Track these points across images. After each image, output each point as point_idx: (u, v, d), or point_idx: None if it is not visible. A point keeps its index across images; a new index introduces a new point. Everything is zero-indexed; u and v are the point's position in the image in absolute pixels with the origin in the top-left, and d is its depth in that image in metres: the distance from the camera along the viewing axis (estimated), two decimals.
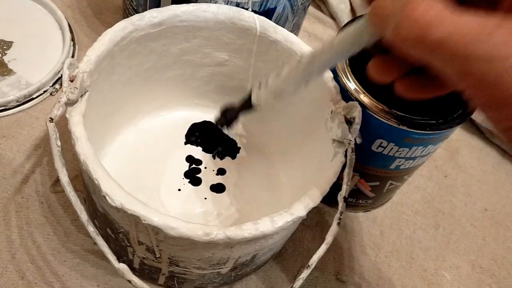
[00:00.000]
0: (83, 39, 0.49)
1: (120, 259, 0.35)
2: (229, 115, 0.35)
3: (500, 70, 0.17)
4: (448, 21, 0.17)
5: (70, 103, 0.29)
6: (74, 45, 0.47)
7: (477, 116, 0.51)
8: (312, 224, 0.42)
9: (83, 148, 0.27)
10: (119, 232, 0.31)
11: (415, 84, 0.23)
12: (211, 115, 0.44)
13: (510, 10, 0.18)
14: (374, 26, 0.20)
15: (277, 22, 0.41)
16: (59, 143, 0.27)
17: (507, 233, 0.46)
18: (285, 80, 0.28)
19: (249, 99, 0.32)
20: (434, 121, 0.33)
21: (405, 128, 0.33)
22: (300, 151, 0.40)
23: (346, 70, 0.34)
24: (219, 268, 0.32)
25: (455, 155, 0.50)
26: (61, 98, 0.28)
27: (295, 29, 0.46)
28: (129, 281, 0.26)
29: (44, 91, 0.43)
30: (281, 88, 0.29)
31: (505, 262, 0.44)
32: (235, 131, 0.44)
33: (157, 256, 0.30)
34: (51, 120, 0.27)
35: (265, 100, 0.31)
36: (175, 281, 0.34)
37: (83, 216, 0.26)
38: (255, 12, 0.38)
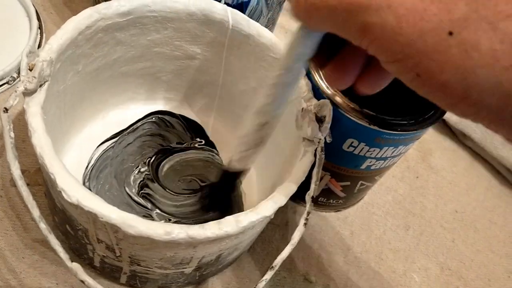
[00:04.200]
0: (52, 27, 0.47)
1: (80, 256, 0.34)
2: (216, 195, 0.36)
3: (394, 19, 0.17)
4: None
5: (28, 93, 0.27)
6: (41, 33, 0.46)
7: (450, 118, 0.51)
8: (282, 223, 0.41)
9: (40, 140, 0.26)
10: (78, 229, 0.29)
11: (370, 79, 0.23)
12: (182, 109, 0.44)
13: None
14: (293, 13, 0.21)
15: (251, 16, 0.40)
16: (12, 135, 0.25)
17: (476, 235, 0.46)
18: (267, 95, 0.26)
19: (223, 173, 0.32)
20: (405, 122, 0.33)
21: (376, 128, 0.32)
22: (270, 149, 0.39)
23: (319, 68, 0.34)
24: (183, 268, 0.31)
25: (428, 157, 0.50)
26: (18, 87, 0.27)
27: (270, 24, 0.45)
28: (82, 281, 0.25)
29: (7, 81, 0.41)
30: (261, 104, 0.27)
31: (473, 264, 0.44)
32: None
33: (117, 255, 0.29)
34: (6, 110, 0.26)
35: (243, 149, 0.29)
36: (137, 280, 0.33)
37: (35, 212, 0.25)
38: (228, 5, 0.37)
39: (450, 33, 0.17)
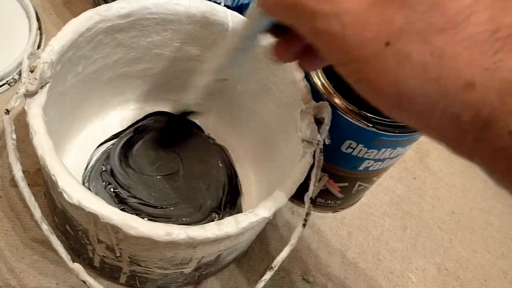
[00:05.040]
0: (51, 28, 0.47)
1: (80, 256, 0.34)
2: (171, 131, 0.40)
3: (339, 27, 0.18)
4: None
5: (29, 94, 0.28)
6: (41, 34, 0.46)
7: None
8: (281, 224, 0.42)
9: (41, 142, 0.26)
10: (78, 229, 0.29)
11: (313, 57, 0.25)
12: None
13: None
14: (259, 4, 0.23)
15: None
16: (14, 137, 0.26)
17: (473, 236, 0.47)
18: (219, 56, 0.30)
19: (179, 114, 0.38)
20: (403, 124, 0.33)
21: (374, 129, 0.32)
22: (269, 151, 0.39)
23: (318, 70, 0.34)
24: (182, 268, 0.31)
25: (425, 158, 0.50)
26: (19, 89, 0.27)
27: None
28: (83, 281, 0.25)
29: (7, 82, 0.42)
30: (219, 64, 0.31)
31: (470, 265, 0.44)
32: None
33: (117, 255, 0.30)
34: (7, 112, 0.26)
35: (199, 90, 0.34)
36: (137, 280, 0.33)
37: (37, 213, 0.25)
38: (228, 7, 0.37)
39: (387, 44, 0.18)
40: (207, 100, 0.35)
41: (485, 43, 0.17)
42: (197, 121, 0.43)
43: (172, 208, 0.37)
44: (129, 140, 0.40)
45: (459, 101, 0.17)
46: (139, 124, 0.42)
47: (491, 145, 0.18)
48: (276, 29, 0.25)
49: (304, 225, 0.29)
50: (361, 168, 0.37)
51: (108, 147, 0.40)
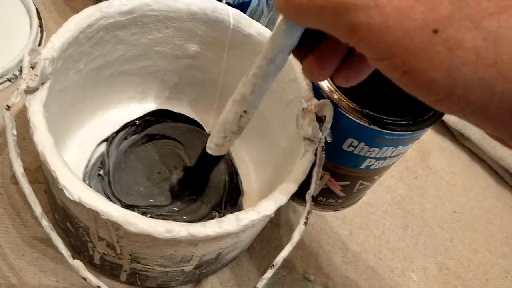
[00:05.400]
0: (52, 25, 0.47)
1: (80, 254, 0.34)
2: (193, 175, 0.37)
3: (381, 19, 0.17)
4: None
5: (30, 91, 0.28)
6: (42, 32, 0.46)
7: (449, 119, 0.52)
8: (282, 222, 0.41)
9: (42, 138, 0.26)
10: (79, 226, 0.29)
11: (348, 72, 0.24)
12: (182, 108, 0.44)
13: None
14: (280, 10, 0.21)
15: (252, 16, 0.40)
16: (15, 133, 0.25)
17: (474, 235, 0.46)
18: (248, 85, 0.26)
19: (203, 152, 0.33)
20: (405, 122, 0.33)
21: (376, 128, 0.32)
22: (270, 149, 0.39)
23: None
24: (183, 266, 0.31)
25: (426, 157, 0.50)
26: (20, 85, 0.27)
27: (270, 24, 0.45)
28: (84, 278, 0.25)
29: (8, 79, 0.41)
30: (243, 95, 0.27)
31: (471, 264, 0.44)
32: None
33: (117, 253, 0.29)
34: (8, 108, 0.26)
35: (223, 134, 0.30)
36: (137, 278, 0.33)
37: (37, 209, 0.25)
38: (229, 4, 0.37)
39: (435, 31, 0.17)
40: (227, 139, 0.31)
41: None
42: (198, 119, 0.43)
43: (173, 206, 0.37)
44: (130, 138, 0.40)
45: None
46: (139, 122, 0.41)
47: None
48: (304, 48, 0.23)
49: (305, 223, 0.29)
50: (362, 166, 0.37)
51: (108, 145, 0.39)
